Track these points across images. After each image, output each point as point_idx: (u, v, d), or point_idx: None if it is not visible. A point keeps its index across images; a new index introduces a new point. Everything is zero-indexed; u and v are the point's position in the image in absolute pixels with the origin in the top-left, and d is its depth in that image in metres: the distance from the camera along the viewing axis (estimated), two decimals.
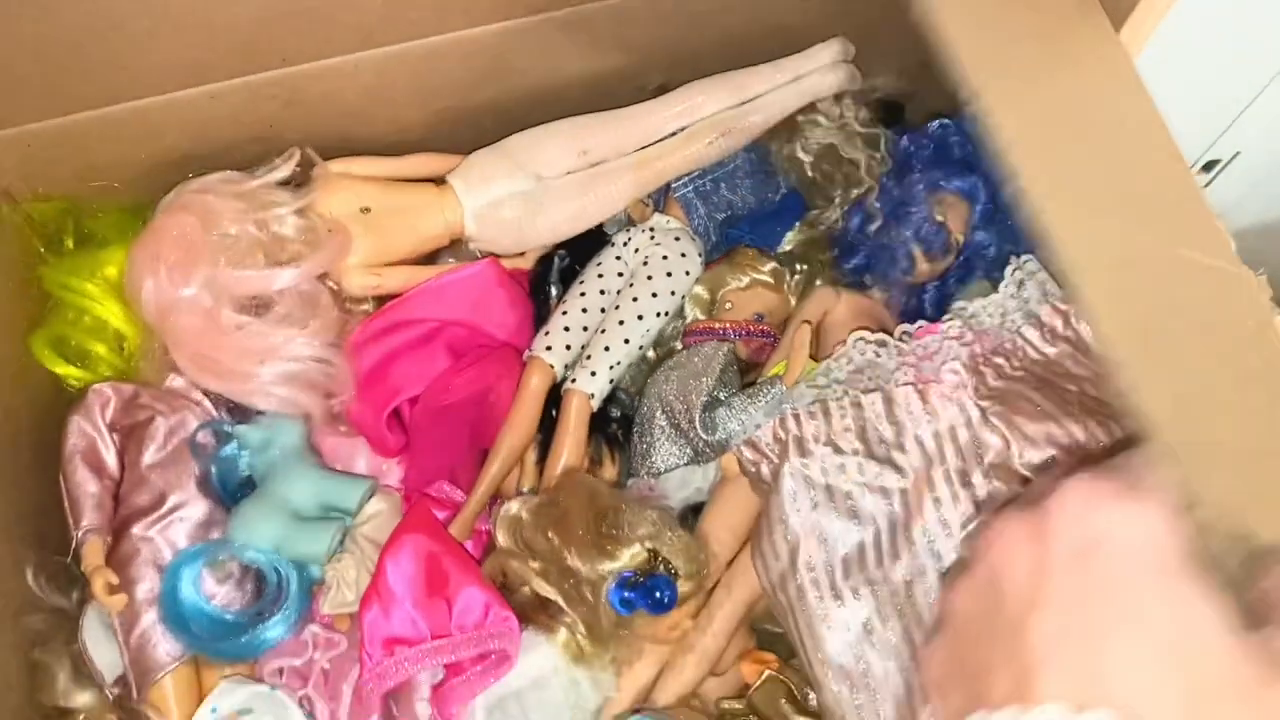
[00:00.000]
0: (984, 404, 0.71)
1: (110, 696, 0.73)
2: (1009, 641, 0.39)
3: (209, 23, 0.76)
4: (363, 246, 0.81)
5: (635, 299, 0.84)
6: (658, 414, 0.82)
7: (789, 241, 0.89)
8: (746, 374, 0.86)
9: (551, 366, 0.83)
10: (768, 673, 0.76)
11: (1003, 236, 0.87)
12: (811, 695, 0.76)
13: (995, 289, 0.79)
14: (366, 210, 0.81)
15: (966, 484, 0.68)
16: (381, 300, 0.85)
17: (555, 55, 0.86)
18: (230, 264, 0.74)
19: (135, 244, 0.77)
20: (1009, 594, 0.40)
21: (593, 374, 0.81)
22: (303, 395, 0.77)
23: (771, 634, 0.85)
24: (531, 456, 0.84)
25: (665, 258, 0.85)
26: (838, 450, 0.72)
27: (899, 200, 0.86)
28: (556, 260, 0.90)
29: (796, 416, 0.73)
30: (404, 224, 0.82)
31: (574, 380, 0.82)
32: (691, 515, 0.82)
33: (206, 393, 0.81)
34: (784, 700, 0.75)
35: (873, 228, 0.87)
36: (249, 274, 0.75)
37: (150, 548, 0.74)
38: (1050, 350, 0.75)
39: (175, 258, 0.74)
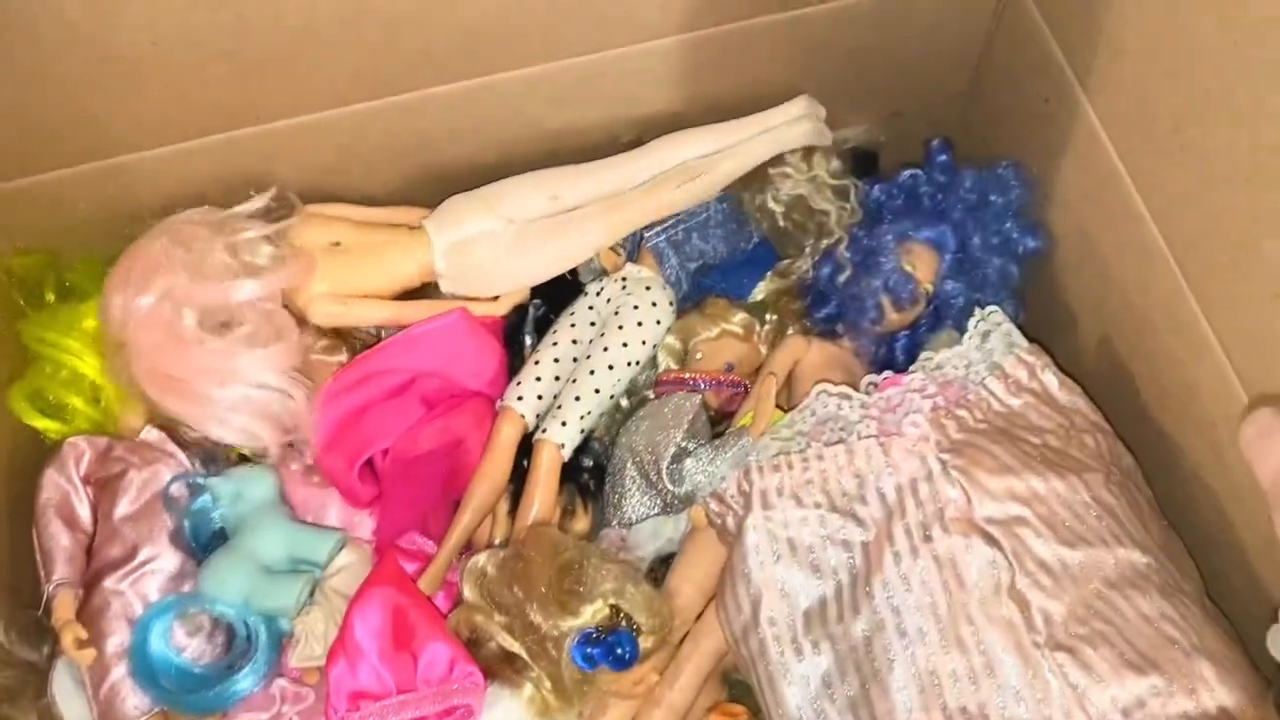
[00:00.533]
0: (945, 457, 0.71)
1: None
2: None
3: (184, 82, 0.77)
4: (330, 275, 0.82)
5: (606, 349, 0.85)
6: (628, 464, 0.82)
7: (760, 291, 0.90)
8: (718, 424, 0.86)
9: (523, 416, 0.84)
10: None
11: (971, 286, 0.88)
12: None
13: (963, 338, 0.79)
14: (337, 244, 0.83)
15: (926, 539, 0.68)
16: (354, 351, 0.86)
17: (530, 110, 0.88)
18: (194, 278, 0.75)
19: (112, 269, 0.79)
20: None
21: (563, 424, 0.82)
22: (260, 426, 0.77)
23: (745, 684, 0.85)
24: (504, 507, 0.85)
25: (636, 307, 0.86)
26: (800, 503, 0.72)
27: (869, 250, 0.87)
28: (531, 309, 0.91)
29: (760, 469, 0.74)
30: (374, 261, 0.84)
31: (544, 430, 0.83)
32: (663, 565, 0.83)
33: (181, 445, 0.82)
34: None
35: (842, 278, 0.87)
36: (209, 284, 0.76)
37: (121, 601, 0.75)
38: (1014, 402, 0.76)
39: (140, 270, 0.75)
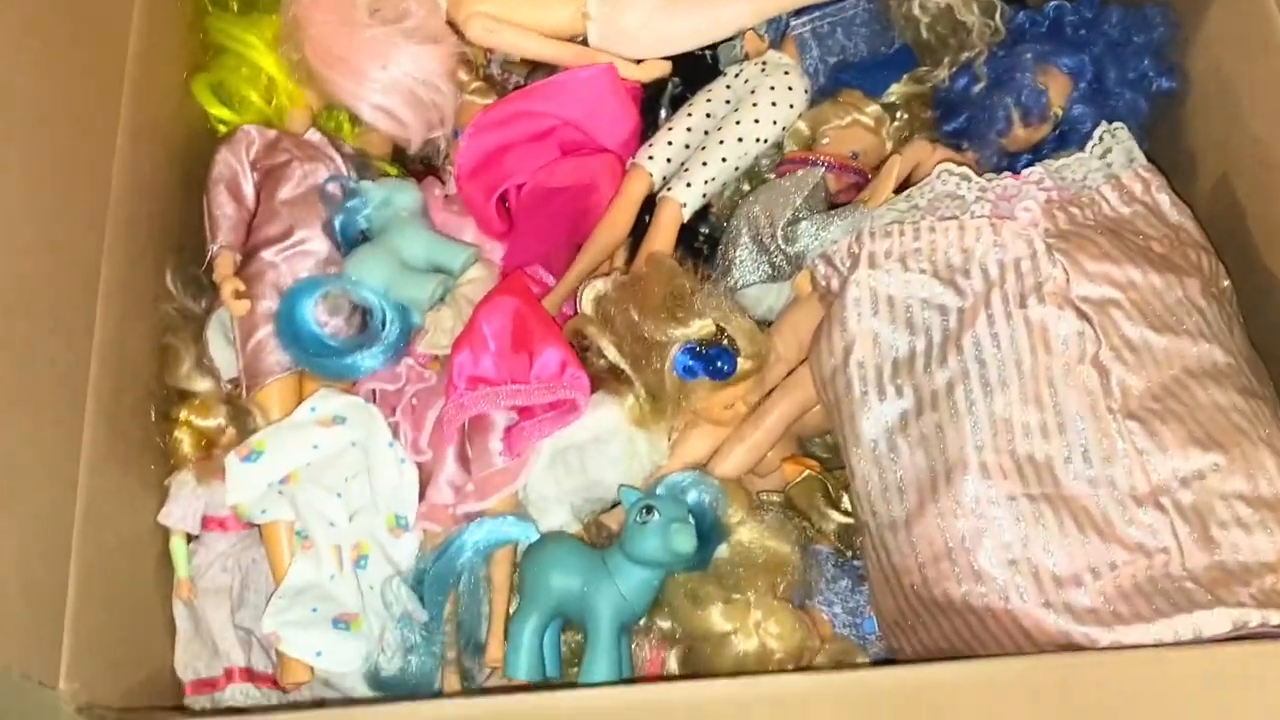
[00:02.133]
0: (1051, 241, 0.75)
1: (224, 390, 0.82)
2: None
3: None
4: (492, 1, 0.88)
5: (738, 122, 0.89)
6: (744, 230, 0.87)
7: (893, 93, 0.93)
8: (830, 208, 0.91)
9: (651, 175, 0.89)
10: (807, 472, 0.82)
11: (1101, 115, 0.90)
12: (845, 498, 0.82)
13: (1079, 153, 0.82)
14: None
15: (1022, 305, 0.72)
16: (504, 94, 0.92)
17: None
18: None
19: None
20: None
21: (688, 185, 0.87)
22: (406, 111, 0.85)
23: (817, 456, 0.91)
24: (622, 255, 0.91)
25: (773, 88, 0.90)
26: (906, 267, 0.77)
27: (1006, 66, 0.90)
28: (670, 87, 0.96)
29: (872, 234, 0.78)
30: None
31: (669, 189, 0.88)
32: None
33: (339, 152, 0.89)
34: (820, 496, 0.81)
35: (977, 90, 0.90)
36: None
37: (275, 272, 0.83)
38: (1125, 210, 0.79)
39: None
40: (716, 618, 0.71)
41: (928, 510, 0.70)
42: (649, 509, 0.72)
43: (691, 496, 0.76)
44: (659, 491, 0.76)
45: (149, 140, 0.82)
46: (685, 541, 0.71)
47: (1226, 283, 0.80)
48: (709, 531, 0.75)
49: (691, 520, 0.73)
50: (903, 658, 0.74)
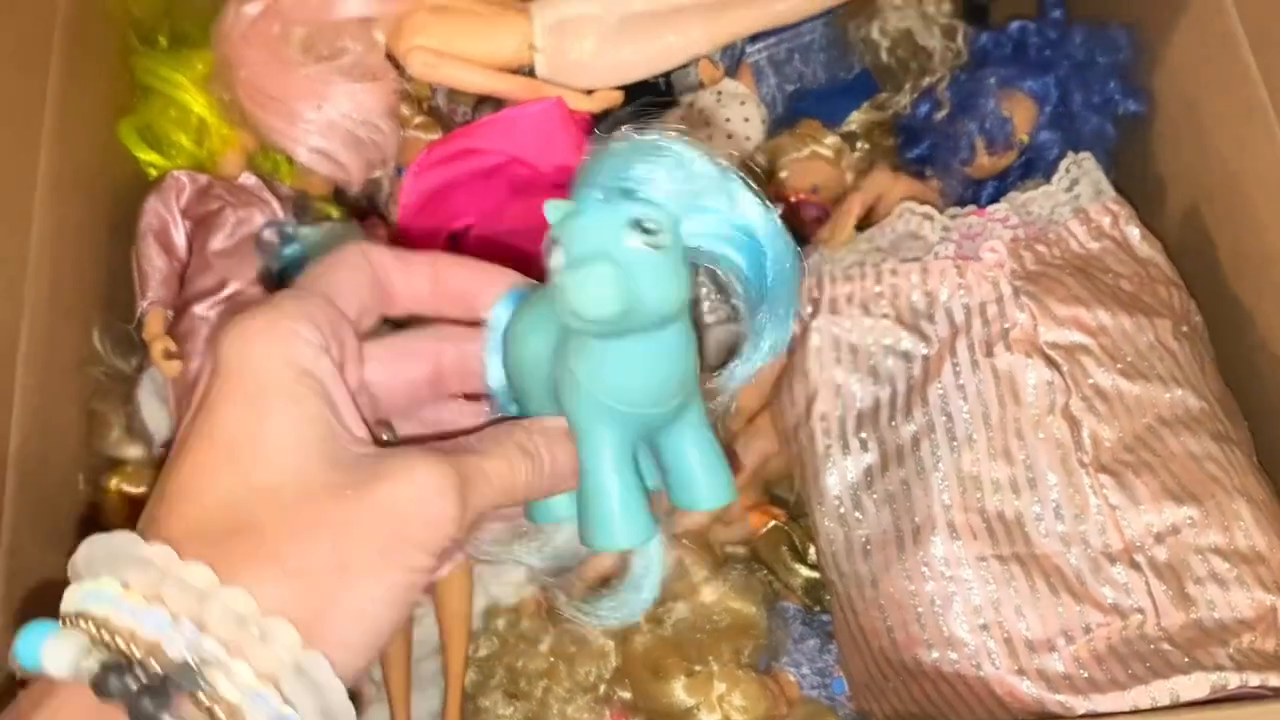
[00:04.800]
0: (1018, 283, 0.72)
1: (157, 455, 0.78)
2: None
3: None
4: (433, 32, 0.84)
5: None
6: (701, 271, 0.84)
7: (853, 121, 0.90)
8: None
9: None
10: (773, 522, 0.79)
11: (1067, 141, 0.87)
12: (812, 550, 0.79)
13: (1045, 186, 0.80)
14: (443, 7, 0.84)
15: (989, 353, 0.69)
16: (449, 127, 0.88)
17: None
18: None
19: None
20: None
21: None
22: (345, 152, 0.81)
23: (783, 501, 0.88)
24: None
25: (728, 119, 0.87)
26: (868, 313, 0.74)
27: (969, 91, 0.87)
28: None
29: (833, 278, 0.75)
30: (477, 27, 0.85)
31: None
32: None
33: (275, 195, 0.85)
34: (784, 548, 0.78)
35: (939, 116, 0.88)
36: None
37: (209, 327, 0.79)
38: (1093, 245, 0.76)
39: None
40: (679, 693, 0.68)
41: (895, 571, 0.67)
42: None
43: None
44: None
45: (71, 189, 0.78)
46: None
47: (1198, 318, 0.77)
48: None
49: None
50: None
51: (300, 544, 0.32)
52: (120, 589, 0.31)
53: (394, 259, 0.43)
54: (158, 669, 0.29)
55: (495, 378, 0.44)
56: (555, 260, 0.35)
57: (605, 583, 0.44)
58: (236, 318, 0.36)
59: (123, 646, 0.30)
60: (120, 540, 0.32)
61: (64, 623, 0.31)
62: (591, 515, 0.39)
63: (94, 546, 0.33)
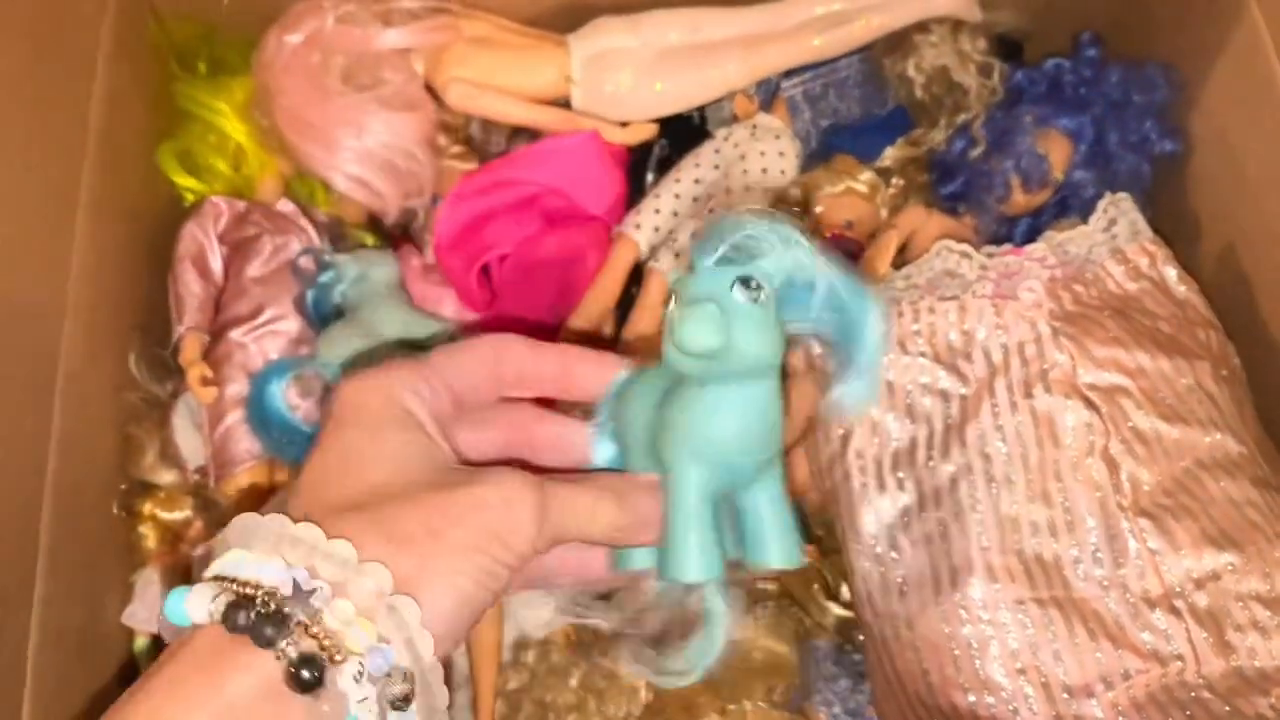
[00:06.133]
0: (1056, 324, 0.72)
1: (191, 481, 0.78)
2: None
3: None
4: (471, 64, 0.84)
5: (728, 190, 0.86)
6: None
7: (888, 157, 0.90)
8: None
9: (638, 244, 0.86)
10: (805, 559, 0.78)
11: (1102, 180, 0.87)
12: (845, 588, 0.78)
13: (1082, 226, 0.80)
14: (483, 39, 0.85)
15: (1028, 394, 0.69)
16: (484, 158, 0.89)
17: None
18: (340, 22, 0.79)
19: None
20: None
21: (676, 256, 0.84)
22: (382, 180, 0.81)
23: (814, 535, 0.87)
24: (609, 328, 0.87)
25: (763, 153, 0.87)
26: (904, 350, 0.73)
27: (1004, 129, 0.87)
28: (657, 149, 0.93)
29: None
30: (516, 60, 0.86)
31: (658, 260, 0.84)
32: None
33: (312, 222, 0.85)
34: (816, 586, 0.78)
35: (974, 154, 0.87)
36: (354, 30, 0.80)
37: (244, 353, 0.79)
38: (1131, 286, 0.76)
39: (294, 12, 0.80)
40: None
41: (931, 613, 0.66)
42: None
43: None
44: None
45: (111, 214, 0.78)
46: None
47: (1237, 360, 0.77)
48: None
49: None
50: None
51: (400, 516, 0.39)
52: (244, 553, 0.37)
53: (526, 348, 0.48)
54: (273, 605, 0.35)
55: (602, 451, 0.49)
56: (671, 306, 0.41)
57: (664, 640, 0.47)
58: (355, 373, 0.44)
59: (248, 592, 0.36)
60: (248, 517, 0.39)
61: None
62: (671, 547, 0.43)
63: (231, 526, 0.40)
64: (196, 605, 0.36)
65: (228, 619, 0.35)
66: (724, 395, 0.41)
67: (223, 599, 0.36)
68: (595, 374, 0.48)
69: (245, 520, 0.39)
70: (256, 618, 0.35)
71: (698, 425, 0.42)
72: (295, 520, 0.38)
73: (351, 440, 0.41)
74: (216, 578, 0.37)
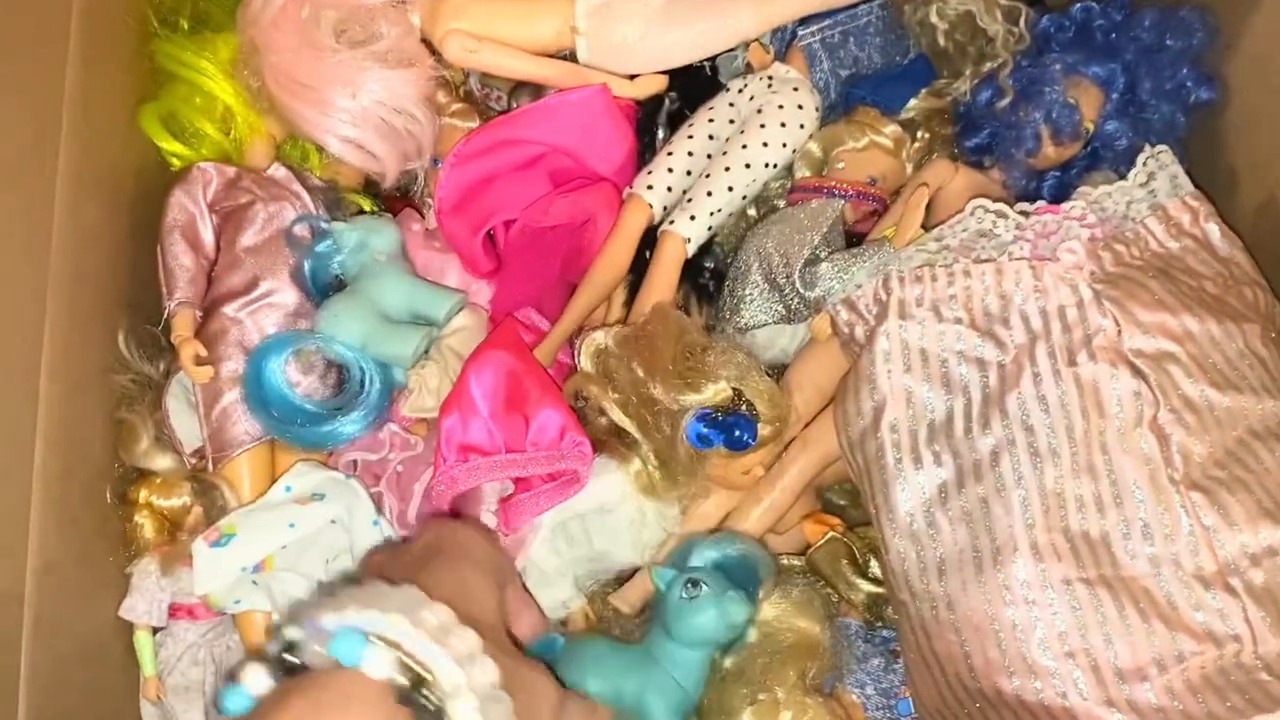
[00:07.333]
0: (1098, 286, 0.68)
1: (188, 465, 0.74)
2: None
3: None
4: (470, 15, 0.80)
5: (745, 146, 0.82)
6: (754, 268, 0.80)
7: (911, 109, 0.86)
8: (849, 241, 0.84)
9: (650, 206, 0.81)
10: (831, 534, 0.76)
11: (1135, 130, 0.83)
12: (873, 562, 0.75)
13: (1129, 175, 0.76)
14: None
15: (1071, 362, 0.65)
16: (485, 115, 0.84)
17: None
18: None
19: None
20: None
21: (692, 218, 0.80)
22: (378, 142, 0.77)
23: (837, 506, 0.84)
24: (621, 295, 0.83)
25: (781, 107, 0.82)
26: (939, 317, 0.70)
27: (1033, 78, 0.82)
28: (666, 102, 0.88)
29: (901, 279, 0.71)
30: (517, 10, 0.81)
31: (672, 222, 0.80)
32: (774, 375, 0.81)
33: (306, 187, 0.81)
34: (845, 562, 0.75)
35: (1001, 104, 0.83)
36: None
37: (239, 329, 0.75)
38: (1173, 245, 0.72)
39: None
40: None
41: (973, 594, 0.63)
42: (694, 583, 0.66)
43: (720, 556, 0.70)
44: (694, 562, 0.69)
45: (93, 185, 0.74)
46: (741, 610, 0.67)
47: None
48: (752, 592, 0.69)
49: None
50: None
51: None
52: (412, 626, 0.44)
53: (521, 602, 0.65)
54: (434, 700, 0.42)
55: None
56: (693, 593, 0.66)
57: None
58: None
59: (421, 673, 0.43)
60: (409, 591, 0.48)
61: (368, 639, 0.43)
62: None
63: (379, 588, 0.48)
64: (378, 663, 0.42)
65: (404, 696, 0.42)
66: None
67: (402, 674, 0.42)
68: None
69: (401, 591, 0.48)
70: (421, 711, 0.42)
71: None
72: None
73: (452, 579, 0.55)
74: (381, 637, 0.43)
